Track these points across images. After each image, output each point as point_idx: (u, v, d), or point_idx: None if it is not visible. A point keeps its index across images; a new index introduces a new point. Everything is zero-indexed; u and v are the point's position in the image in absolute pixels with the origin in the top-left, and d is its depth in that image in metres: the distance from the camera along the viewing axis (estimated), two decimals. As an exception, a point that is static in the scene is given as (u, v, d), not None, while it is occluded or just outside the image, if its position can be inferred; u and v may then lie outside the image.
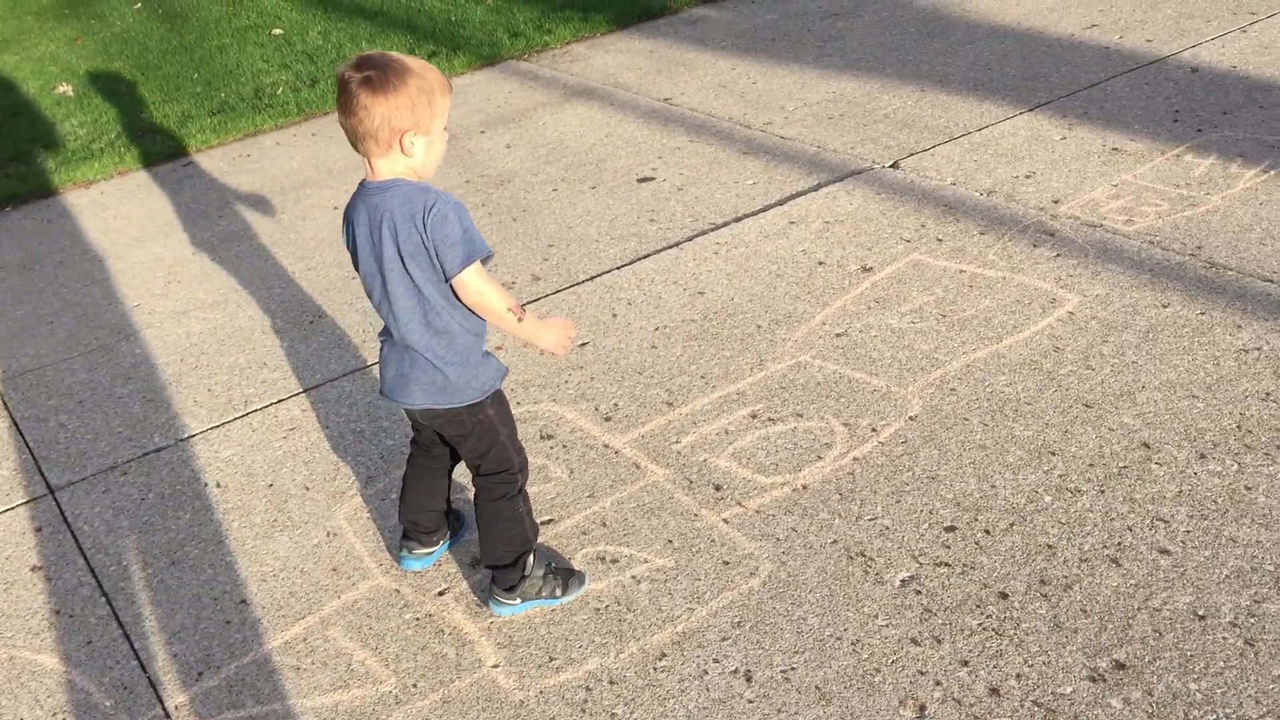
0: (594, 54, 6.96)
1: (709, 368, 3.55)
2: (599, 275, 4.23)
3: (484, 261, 2.37)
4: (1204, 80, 5.03)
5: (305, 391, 3.76)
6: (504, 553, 2.61)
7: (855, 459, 3.04)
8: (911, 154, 4.81)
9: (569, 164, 5.31)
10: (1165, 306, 3.48)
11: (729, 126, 5.46)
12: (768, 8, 7.34)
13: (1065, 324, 3.47)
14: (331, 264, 4.66)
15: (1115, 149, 4.55)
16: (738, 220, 4.48)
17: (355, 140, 2.30)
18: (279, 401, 3.73)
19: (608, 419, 3.38)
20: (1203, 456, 2.85)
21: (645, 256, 4.30)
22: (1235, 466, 2.80)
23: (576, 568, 2.78)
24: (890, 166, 4.73)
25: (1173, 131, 4.61)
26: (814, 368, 3.47)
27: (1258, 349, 3.21)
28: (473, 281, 2.34)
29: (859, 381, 3.36)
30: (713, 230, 4.43)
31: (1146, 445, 2.92)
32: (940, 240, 4.07)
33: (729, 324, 3.77)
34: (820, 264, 4.05)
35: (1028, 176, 4.44)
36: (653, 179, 5.00)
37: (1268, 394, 3.03)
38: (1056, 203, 4.20)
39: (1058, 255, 3.85)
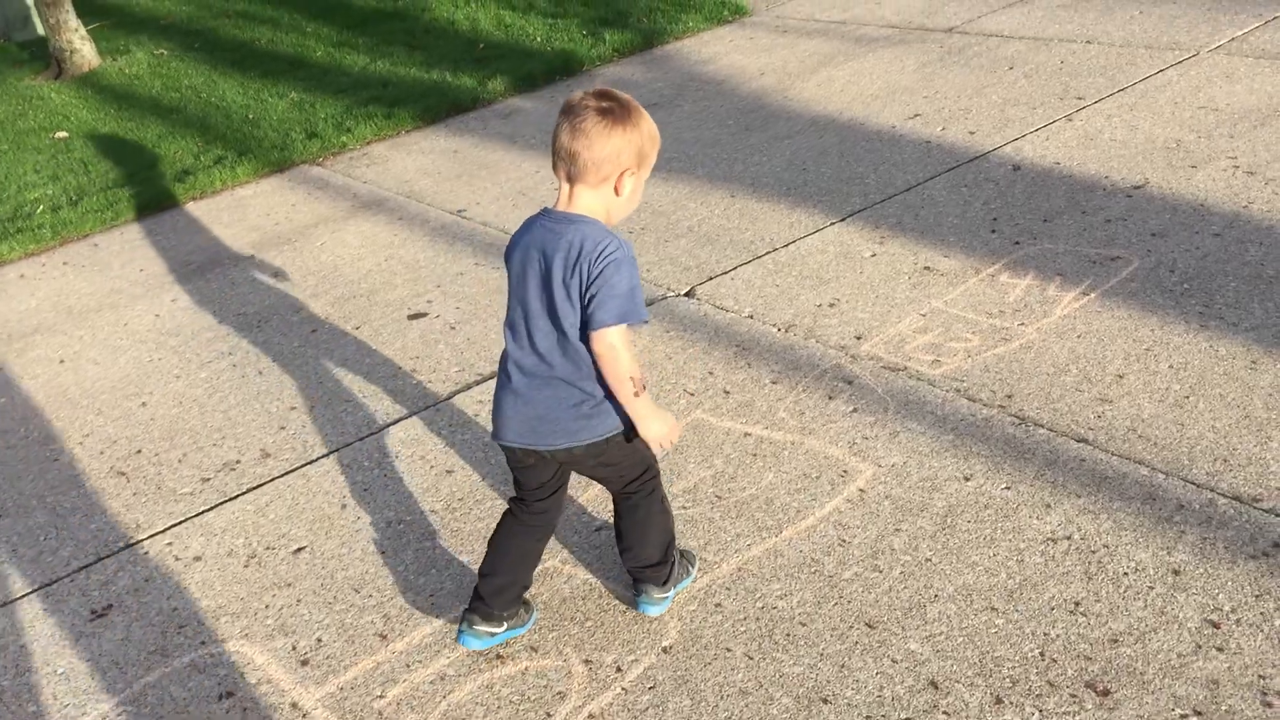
0: (394, 155, 6.39)
1: (439, 580, 2.96)
2: (339, 449, 3.62)
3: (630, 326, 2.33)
4: (1026, 180, 4.64)
5: (-52, 633, 3.07)
6: (655, 549, 2.62)
7: (590, 716, 2.47)
8: (710, 278, 4.31)
9: (337, 296, 4.71)
10: (968, 479, 2.99)
11: (520, 245, 4.91)
12: (585, 97, 6.85)
13: (855, 506, 2.96)
14: (37, 440, 3.98)
15: (928, 268, 4.10)
16: (508, 369, 3.91)
17: (571, 165, 2.29)
18: (-88, 649, 3.03)
19: (305, 662, 2.75)
20: (999, 701, 2.33)
21: (396, 422, 3.70)
22: (1035, 716, 2.29)
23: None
24: (685, 295, 4.23)
25: (989, 245, 4.19)
26: (562, 577, 2.90)
27: (1067, 538, 2.73)
28: (611, 335, 2.28)
29: (610, 598, 2.80)
30: (479, 383, 3.86)
31: (934, 685, 2.40)
32: (727, 393, 3.55)
33: (475, 513, 3.19)
34: (590, 428, 3.49)
35: (832, 305, 3.96)
36: (425, 315, 4.42)
37: (1076, 604, 2.54)
38: (859, 339, 3.72)
39: (854, 410, 3.36)
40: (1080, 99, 5.36)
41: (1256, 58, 5.41)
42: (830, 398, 3.44)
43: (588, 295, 2.27)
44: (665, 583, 2.66)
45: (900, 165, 5.02)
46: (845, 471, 3.11)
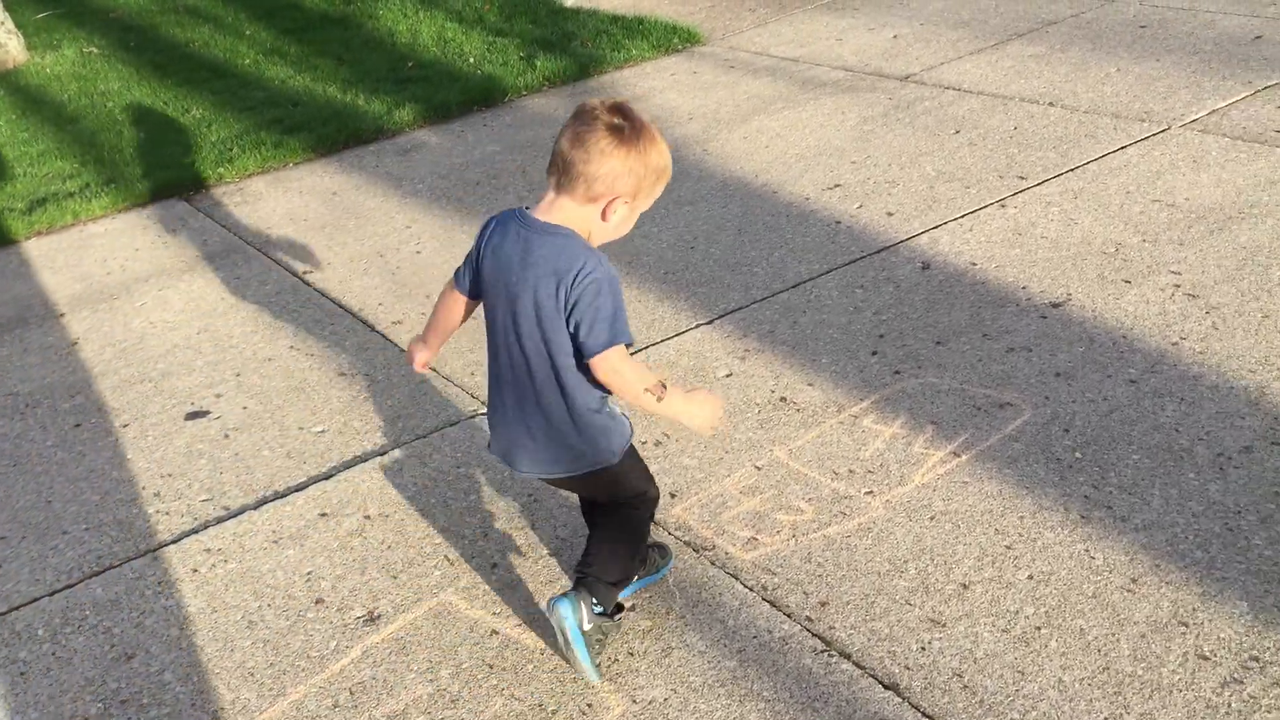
0: (270, 193, 5.75)
1: (45, 831, 2.31)
2: (20, 606, 2.99)
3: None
4: (932, 284, 3.93)
5: None
6: (612, 569, 2.43)
7: None
8: (535, 391, 3.63)
9: (125, 379, 4.08)
10: (732, 736, 2.31)
11: (348, 325, 4.27)
12: (495, 135, 6.20)
13: (583, 765, 2.29)
14: None
15: (784, 399, 3.42)
16: (265, 503, 3.27)
17: (565, 171, 2.12)
18: None
19: None
20: None
21: (100, 573, 3.07)
22: None
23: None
24: (497, 413, 3.55)
25: (865, 372, 3.49)
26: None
27: None
28: (610, 360, 2.15)
29: None
30: (216, 523, 3.22)
31: None
32: (494, 566, 2.90)
33: (134, 724, 2.55)
34: (317, 603, 2.85)
35: (658, 444, 3.29)
36: (206, 414, 3.78)
37: None
38: (674, 496, 3.05)
39: (631, 607, 2.68)
40: (1022, 178, 4.63)
41: (1234, 138, 4.65)
42: (609, 585, 2.76)
43: (572, 322, 2.13)
44: (604, 614, 2.42)
45: (798, 252, 4.32)
46: (590, 706, 2.43)
